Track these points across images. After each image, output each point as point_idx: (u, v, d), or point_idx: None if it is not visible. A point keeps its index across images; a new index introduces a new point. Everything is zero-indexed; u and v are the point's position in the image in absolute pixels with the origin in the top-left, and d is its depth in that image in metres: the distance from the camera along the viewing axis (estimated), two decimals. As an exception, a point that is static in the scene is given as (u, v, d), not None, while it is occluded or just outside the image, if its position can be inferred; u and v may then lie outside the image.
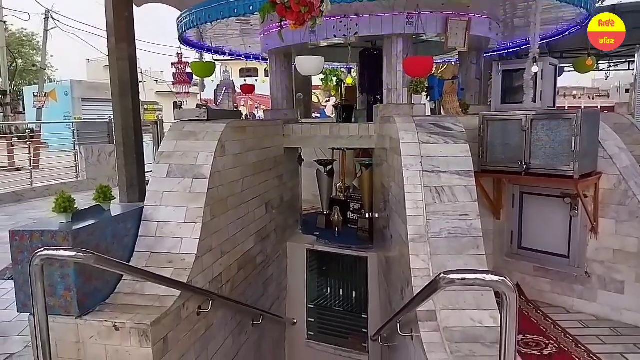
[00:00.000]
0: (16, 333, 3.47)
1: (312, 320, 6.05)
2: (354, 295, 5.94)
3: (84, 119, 15.97)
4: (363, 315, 5.76)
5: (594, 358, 3.27)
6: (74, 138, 10.32)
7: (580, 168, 3.58)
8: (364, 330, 5.73)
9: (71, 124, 12.00)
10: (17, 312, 3.03)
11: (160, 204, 3.57)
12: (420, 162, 3.40)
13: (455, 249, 3.12)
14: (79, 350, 2.92)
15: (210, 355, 3.66)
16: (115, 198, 3.41)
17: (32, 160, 9.94)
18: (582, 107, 18.62)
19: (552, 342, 3.56)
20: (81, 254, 2.07)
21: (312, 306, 6.05)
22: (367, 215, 6.05)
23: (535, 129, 3.72)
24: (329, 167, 6.50)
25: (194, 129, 3.90)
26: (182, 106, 4.03)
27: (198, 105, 4.06)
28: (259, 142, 4.86)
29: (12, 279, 4.49)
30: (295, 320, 6.05)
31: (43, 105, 16.16)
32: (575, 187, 3.62)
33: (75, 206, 3.05)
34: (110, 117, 9.80)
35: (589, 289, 4.00)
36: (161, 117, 12.51)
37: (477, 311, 2.88)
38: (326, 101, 21.22)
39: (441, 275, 1.83)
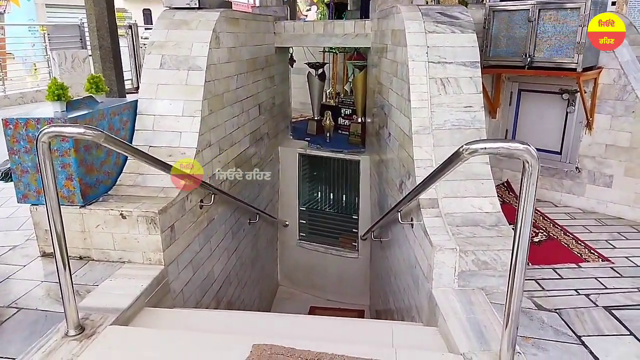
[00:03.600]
0: (16, 227, 3.46)
1: (304, 222, 6.20)
2: (344, 198, 6.06)
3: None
4: (353, 217, 5.92)
5: (582, 244, 3.45)
6: (45, 42, 9.67)
7: (583, 61, 3.55)
8: (354, 230, 5.93)
9: (37, 29, 11.14)
10: (17, 202, 2.99)
11: (156, 97, 3.44)
12: (426, 53, 3.30)
13: (459, 140, 3.13)
14: (85, 239, 2.94)
15: (213, 248, 3.74)
16: (109, 89, 3.27)
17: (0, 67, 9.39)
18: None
19: (542, 231, 3.74)
20: (90, 131, 1.98)
21: (304, 209, 6.17)
22: (360, 120, 6.02)
23: (542, 20, 3.62)
24: (320, 70, 6.32)
25: (185, 18, 3.66)
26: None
27: (187, -7, 3.78)
28: (251, 38, 4.63)
29: (2, 180, 4.40)
30: (288, 223, 6.19)
31: (4, 10, 14.96)
32: (577, 80, 3.61)
33: (70, 95, 2.92)
34: (82, 19, 9.13)
35: (578, 184, 4.15)
36: (135, 22, 11.72)
37: (477, 198, 2.96)
38: (307, 10, 20.26)
39: (463, 147, 1.82)
